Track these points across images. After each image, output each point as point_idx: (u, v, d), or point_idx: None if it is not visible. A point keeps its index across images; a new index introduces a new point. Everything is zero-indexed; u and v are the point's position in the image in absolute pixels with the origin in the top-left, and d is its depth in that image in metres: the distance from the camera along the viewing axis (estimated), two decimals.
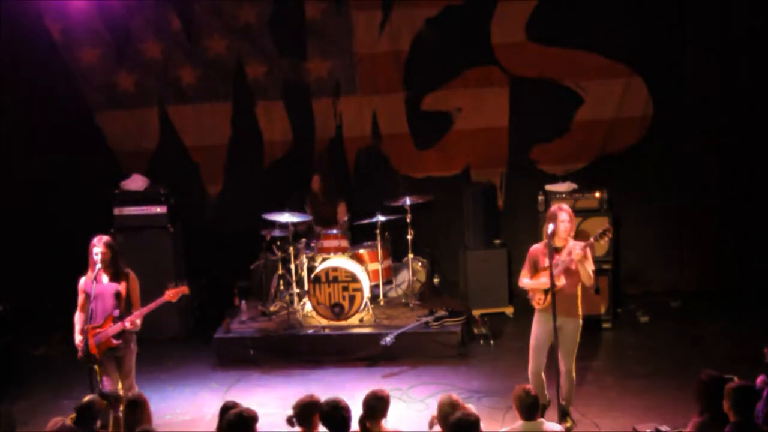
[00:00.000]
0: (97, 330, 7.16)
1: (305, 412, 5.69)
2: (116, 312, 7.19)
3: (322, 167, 10.59)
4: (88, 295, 7.17)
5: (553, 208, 7.06)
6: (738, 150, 10.25)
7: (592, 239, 6.93)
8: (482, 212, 10.23)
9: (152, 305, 7.29)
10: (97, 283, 7.14)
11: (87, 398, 6.07)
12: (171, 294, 7.39)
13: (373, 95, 10.79)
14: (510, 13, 10.34)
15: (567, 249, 6.95)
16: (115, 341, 7.16)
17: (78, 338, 7.18)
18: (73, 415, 5.95)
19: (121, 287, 7.22)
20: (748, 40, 9.96)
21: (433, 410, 5.88)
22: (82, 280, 7.27)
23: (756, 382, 6.29)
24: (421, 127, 10.82)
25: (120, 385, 7.25)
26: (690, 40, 10.14)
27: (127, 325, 7.12)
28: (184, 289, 7.45)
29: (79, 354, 7.14)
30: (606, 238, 6.98)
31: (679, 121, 10.36)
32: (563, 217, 6.93)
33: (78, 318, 7.29)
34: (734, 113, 10.18)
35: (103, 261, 7.12)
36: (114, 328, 7.14)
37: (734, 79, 10.11)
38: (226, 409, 5.76)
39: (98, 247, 7.13)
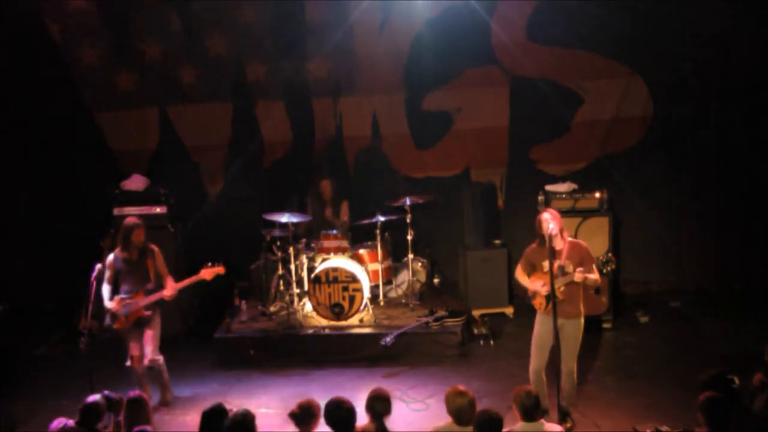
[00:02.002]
0: (129, 301, 7.81)
1: (307, 414, 5.70)
2: (149, 285, 7.86)
3: (328, 169, 10.58)
4: (117, 271, 7.83)
5: (539, 216, 7.09)
6: (738, 150, 10.25)
7: (593, 266, 6.96)
8: (482, 212, 10.23)
9: (188, 281, 8.01)
10: (127, 260, 7.83)
11: (91, 399, 6.08)
12: (207, 272, 8.04)
13: (373, 95, 10.79)
14: (510, 13, 10.33)
15: (564, 254, 6.95)
16: (146, 312, 7.84)
17: (109, 305, 7.77)
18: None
19: (149, 262, 7.89)
20: (748, 39, 9.96)
21: (436, 410, 5.87)
22: (111, 257, 7.90)
23: (753, 381, 6.31)
24: (421, 127, 10.83)
25: (145, 352, 7.92)
26: (689, 40, 10.14)
27: (167, 294, 7.81)
28: (220, 269, 8.06)
29: (107, 322, 7.84)
30: (609, 268, 7.00)
31: (679, 121, 10.37)
32: (545, 216, 6.97)
33: (105, 291, 7.83)
34: (734, 113, 10.18)
35: (141, 242, 7.84)
36: (147, 300, 7.81)
37: (734, 79, 10.10)
38: (214, 413, 5.73)
39: (140, 229, 7.85)
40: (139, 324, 7.91)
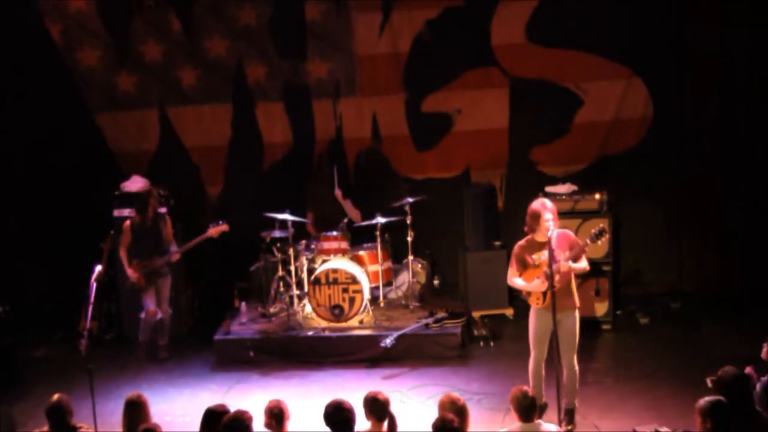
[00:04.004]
0: (145, 263, 8.98)
1: (280, 416, 5.73)
2: (163, 248, 9.02)
3: (328, 169, 10.56)
4: (135, 236, 8.98)
5: (536, 205, 7.03)
6: (737, 150, 10.25)
7: (588, 241, 6.91)
8: (482, 213, 10.22)
9: (196, 240, 9.05)
10: (142, 226, 8.98)
11: (54, 398, 6.05)
12: (213, 231, 9.01)
13: (373, 96, 10.79)
14: (510, 14, 10.34)
15: (554, 244, 6.92)
16: (162, 270, 9.07)
17: (129, 270, 9.03)
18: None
19: (161, 228, 9.06)
20: (747, 40, 9.96)
21: (436, 411, 5.87)
22: (128, 223, 9.10)
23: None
24: (421, 128, 10.82)
25: (161, 307, 9.17)
26: (689, 41, 10.14)
27: (174, 258, 9.08)
28: (225, 227, 9.00)
29: (133, 281, 9.04)
30: (604, 238, 6.94)
31: (679, 121, 10.36)
32: (547, 216, 6.90)
33: (123, 254, 9.12)
34: (734, 114, 10.18)
35: (155, 209, 9.06)
36: (161, 261, 9.01)
37: (734, 80, 10.10)
38: (212, 413, 5.74)
39: (154, 197, 9.09)
40: (155, 282, 9.07)
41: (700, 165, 10.40)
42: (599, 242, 7.00)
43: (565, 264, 6.86)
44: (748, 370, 6.24)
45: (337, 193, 10.19)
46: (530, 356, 7.26)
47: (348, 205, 10.24)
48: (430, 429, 5.47)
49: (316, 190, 10.39)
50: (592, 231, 6.91)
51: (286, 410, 5.82)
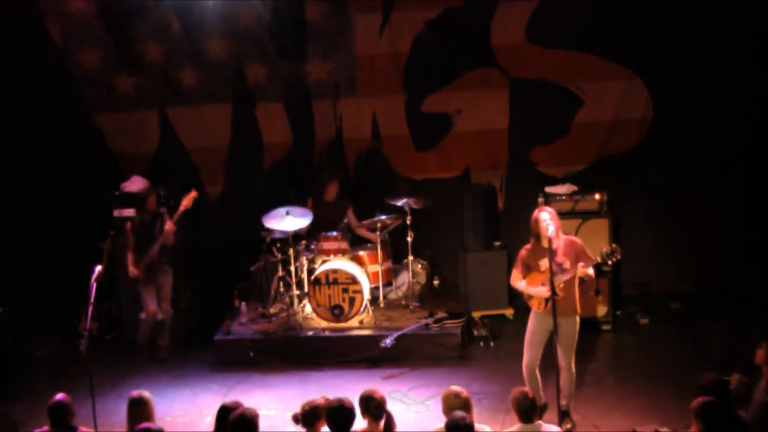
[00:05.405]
0: (143, 257, 9.17)
1: (312, 415, 5.72)
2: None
3: (328, 171, 10.54)
4: (136, 236, 9.22)
5: (535, 213, 7.11)
6: (738, 151, 10.25)
7: (598, 258, 6.93)
8: (482, 214, 10.24)
9: (176, 215, 9.20)
10: (142, 224, 9.27)
11: (56, 397, 6.06)
12: (185, 203, 9.14)
13: (373, 97, 10.78)
14: (510, 15, 10.33)
15: (561, 251, 6.96)
16: (157, 259, 9.21)
17: (132, 268, 9.21)
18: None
19: (159, 225, 9.23)
20: (748, 40, 9.96)
21: (436, 411, 5.88)
22: (129, 224, 9.32)
23: (731, 381, 6.32)
24: (421, 128, 10.82)
25: (162, 307, 9.27)
26: (690, 41, 10.15)
27: (168, 228, 9.15)
28: (193, 194, 9.16)
29: (133, 276, 9.23)
30: (614, 260, 6.96)
31: (679, 122, 10.37)
32: (543, 216, 6.98)
33: (129, 256, 9.27)
34: (734, 114, 10.18)
35: (154, 207, 9.29)
36: (155, 247, 9.15)
37: (734, 80, 10.10)
38: (226, 409, 5.77)
39: (153, 196, 9.36)
40: (154, 278, 9.22)
41: (700, 165, 10.40)
42: (609, 263, 7.03)
43: (582, 269, 6.93)
44: (734, 377, 6.26)
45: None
46: (523, 360, 7.27)
47: (350, 213, 10.22)
48: (443, 427, 5.48)
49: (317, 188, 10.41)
50: (604, 250, 6.94)
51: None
